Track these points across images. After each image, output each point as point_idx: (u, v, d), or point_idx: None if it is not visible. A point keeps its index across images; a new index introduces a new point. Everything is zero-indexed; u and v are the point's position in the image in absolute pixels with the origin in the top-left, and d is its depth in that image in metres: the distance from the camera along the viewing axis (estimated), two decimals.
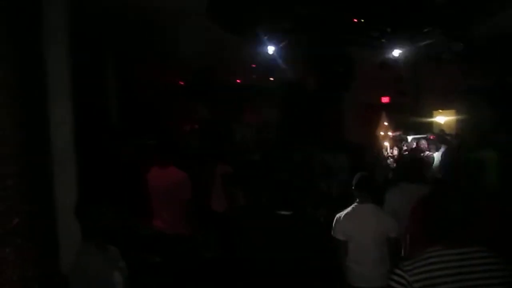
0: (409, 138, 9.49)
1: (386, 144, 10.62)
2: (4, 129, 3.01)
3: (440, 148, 6.98)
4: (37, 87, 3.86)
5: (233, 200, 5.18)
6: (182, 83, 12.47)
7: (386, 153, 9.57)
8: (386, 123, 11.57)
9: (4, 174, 2.92)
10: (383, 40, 7.01)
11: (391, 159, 8.39)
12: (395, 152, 9.08)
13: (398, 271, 1.76)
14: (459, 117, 10.20)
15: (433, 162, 6.55)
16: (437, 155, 6.74)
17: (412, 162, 4.20)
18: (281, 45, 7.18)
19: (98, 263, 2.31)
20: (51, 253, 3.82)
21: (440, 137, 8.23)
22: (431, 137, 8.10)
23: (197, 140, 8.56)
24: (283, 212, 6.13)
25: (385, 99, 11.66)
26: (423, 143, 7.35)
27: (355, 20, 6.52)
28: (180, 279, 3.98)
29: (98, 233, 2.36)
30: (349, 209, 3.34)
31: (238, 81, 12.94)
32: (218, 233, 5.42)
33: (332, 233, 3.36)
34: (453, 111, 10.55)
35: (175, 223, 3.98)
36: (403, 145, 9.14)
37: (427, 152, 6.87)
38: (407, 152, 8.14)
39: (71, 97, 4.09)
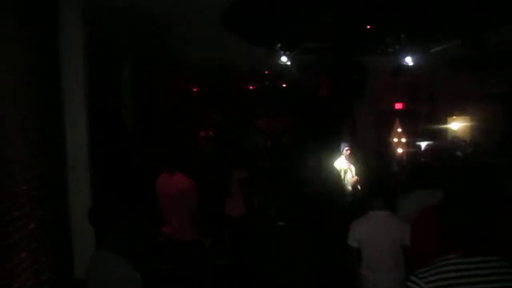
0: (422, 145, 9.40)
1: (400, 150, 10.54)
2: (19, 137, 3.07)
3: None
4: (53, 96, 3.93)
5: (249, 206, 5.15)
6: (195, 89, 12.58)
7: (399, 159, 9.50)
8: (399, 130, 11.50)
9: (19, 180, 2.97)
10: (396, 47, 6.96)
11: (404, 165, 8.32)
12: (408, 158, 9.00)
13: (414, 278, 1.74)
14: (473, 123, 10.08)
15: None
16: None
17: (426, 168, 4.14)
18: (294, 52, 7.19)
19: (123, 266, 2.34)
20: (65, 257, 3.86)
21: (453, 143, 8.11)
22: None
23: (212, 146, 8.59)
24: (280, 223, 6.10)
25: (398, 106, 11.58)
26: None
27: (369, 27, 6.50)
28: (191, 285, 3.98)
29: (112, 237, 2.38)
30: (363, 216, 3.32)
31: (250, 87, 13.00)
32: (232, 238, 5.40)
33: (347, 240, 3.33)
34: (467, 117, 10.42)
35: (183, 229, 3.98)
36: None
37: None
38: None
39: (86, 106, 4.15)
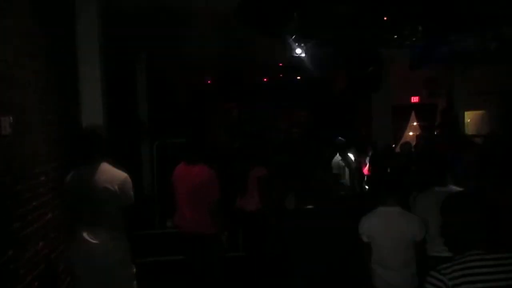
0: None
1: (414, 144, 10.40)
2: (39, 129, 3.12)
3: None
4: (70, 91, 3.98)
5: (266, 203, 5.02)
6: (210, 82, 12.60)
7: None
8: (415, 123, 11.37)
9: (38, 172, 3.02)
10: (414, 39, 6.84)
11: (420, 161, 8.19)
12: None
13: (436, 274, 1.70)
14: (491, 118, 9.89)
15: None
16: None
17: (444, 164, 4.07)
18: (309, 44, 7.12)
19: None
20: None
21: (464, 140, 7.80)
22: None
23: (228, 140, 8.57)
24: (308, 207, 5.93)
25: (415, 99, 11.44)
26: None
27: (385, 19, 6.40)
28: (204, 279, 3.89)
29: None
30: (373, 211, 3.30)
31: (265, 80, 12.97)
32: (245, 232, 5.39)
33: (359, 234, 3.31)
34: (485, 111, 10.24)
35: (198, 223, 3.78)
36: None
37: None
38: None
39: (103, 100, 4.19)
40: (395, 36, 6.96)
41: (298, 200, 2.89)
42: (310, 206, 2.84)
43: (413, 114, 11.33)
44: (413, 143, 8.86)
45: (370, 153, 7.55)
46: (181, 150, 4.13)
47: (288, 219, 3.11)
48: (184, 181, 3.84)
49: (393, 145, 8.93)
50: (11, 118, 2.55)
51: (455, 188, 3.45)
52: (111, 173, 3.08)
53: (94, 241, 2.98)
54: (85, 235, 3.00)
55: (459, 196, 1.93)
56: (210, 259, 3.85)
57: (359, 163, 7.04)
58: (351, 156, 6.70)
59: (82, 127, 3.47)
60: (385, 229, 3.17)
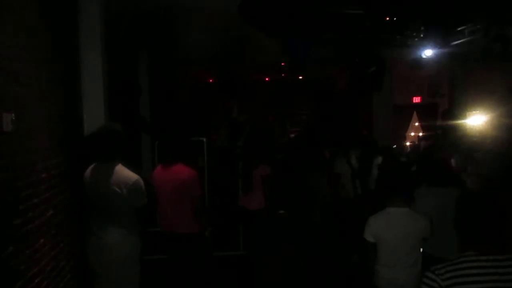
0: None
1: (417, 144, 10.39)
2: (41, 125, 3.12)
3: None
4: (72, 87, 3.98)
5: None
6: (211, 80, 12.60)
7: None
8: (417, 124, 11.36)
9: (40, 169, 3.02)
10: (416, 39, 6.83)
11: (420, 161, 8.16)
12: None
13: (430, 275, 1.73)
14: (494, 118, 9.86)
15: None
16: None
17: (444, 165, 4.07)
18: (311, 43, 7.10)
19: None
20: (81, 245, 3.92)
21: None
22: None
23: (229, 138, 8.55)
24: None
25: (416, 99, 11.43)
26: None
27: (387, 19, 6.39)
28: (191, 277, 3.85)
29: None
30: (381, 212, 3.29)
31: (266, 79, 12.99)
32: (246, 231, 5.38)
33: (363, 235, 3.31)
34: (488, 112, 10.20)
35: (181, 223, 3.73)
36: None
37: None
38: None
39: (104, 97, 4.19)
40: (397, 36, 6.96)
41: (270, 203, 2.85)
42: (281, 211, 2.80)
43: (414, 114, 11.32)
44: (416, 143, 8.89)
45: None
46: (159, 152, 4.09)
47: (257, 222, 3.09)
48: (163, 183, 3.77)
49: (394, 146, 8.91)
50: (13, 114, 2.55)
51: (455, 189, 3.46)
52: (120, 176, 3.11)
53: (103, 237, 3.13)
54: (96, 230, 3.17)
55: (471, 194, 1.94)
56: (196, 258, 3.83)
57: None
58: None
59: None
60: (393, 230, 3.17)
